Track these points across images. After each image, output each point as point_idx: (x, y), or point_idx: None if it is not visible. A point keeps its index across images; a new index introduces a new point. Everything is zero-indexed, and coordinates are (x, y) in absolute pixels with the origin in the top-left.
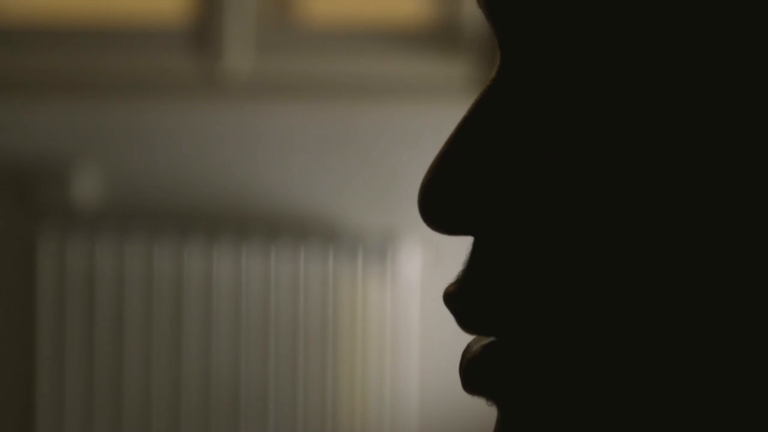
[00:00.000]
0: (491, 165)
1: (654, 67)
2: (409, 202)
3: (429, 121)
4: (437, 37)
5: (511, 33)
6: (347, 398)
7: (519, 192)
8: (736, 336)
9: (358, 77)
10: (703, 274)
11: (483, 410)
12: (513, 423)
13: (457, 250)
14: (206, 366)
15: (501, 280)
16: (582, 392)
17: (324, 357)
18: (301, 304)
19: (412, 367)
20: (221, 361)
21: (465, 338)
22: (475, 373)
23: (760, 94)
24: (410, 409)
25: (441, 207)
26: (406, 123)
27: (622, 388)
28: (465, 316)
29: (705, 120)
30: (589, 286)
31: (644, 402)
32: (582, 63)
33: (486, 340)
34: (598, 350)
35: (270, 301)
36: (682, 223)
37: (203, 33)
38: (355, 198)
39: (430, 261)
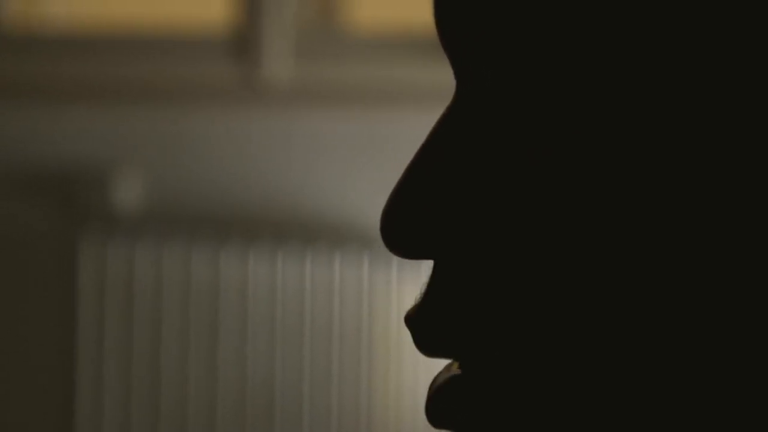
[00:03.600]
0: (450, 190)
1: (610, 79)
2: None
3: None
4: None
5: (465, 61)
6: (381, 405)
7: (478, 216)
8: (723, 344)
9: (397, 84)
10: (688, 303)
11: None
12: None
13: None
14: (242, 371)
15: (460, 303)
16: (547, 422)
17: (359, 363)
18: (336, 311)
19: None
20: (257, 366)
21: None
22: (439, 407)
23: (726, 84)
24: None
25: (401, 233)
26: None
27: (587, 416)
28: (423, 339)
29: (676, 123)
30: (550, 309)
31: (617, 427)
32: (539, 84)
33: (450, 373)
34: (563, 377)
35: (305, 307)
36: (655, 239)
37: (243, 41)
38: None
39: None
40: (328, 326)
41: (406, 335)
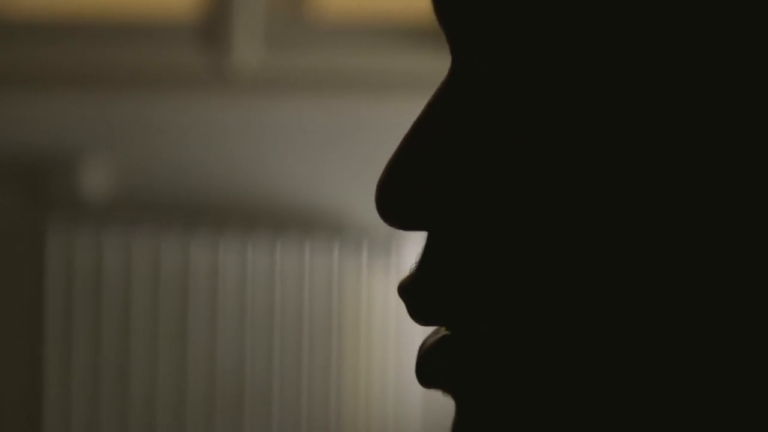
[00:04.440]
0: (445, 162)
1: (605, 66)
2: None
3: None
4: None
5: (462, 35)
6: (351, 392)
7: (472, 187)
8: (689, 333)
9: (368, 72)
10: (665, 263)
11: None
12: (469, 414)
13: None
14: (212, 359)
15: (454, 272)
16: (535, 381)
17: (329, 351)
18: (306, 298)
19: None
20: (226, 354)
21: None
22: (429, 366)
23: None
24: (414, 403)
25: (396, 203)
26: (413, 118)
27: (576, 378)
28: (417, 308)
29: (664, 109)
30: (542, 277)
31: (598, 391)
32: (533, 62)
33: (438, 335)
34: (552, 340)
35: (275, 294)
36: (641, 212)
37: (213, 27)
38: (362, 192)
39: None
40: (299, 314)
41: (377, 323)
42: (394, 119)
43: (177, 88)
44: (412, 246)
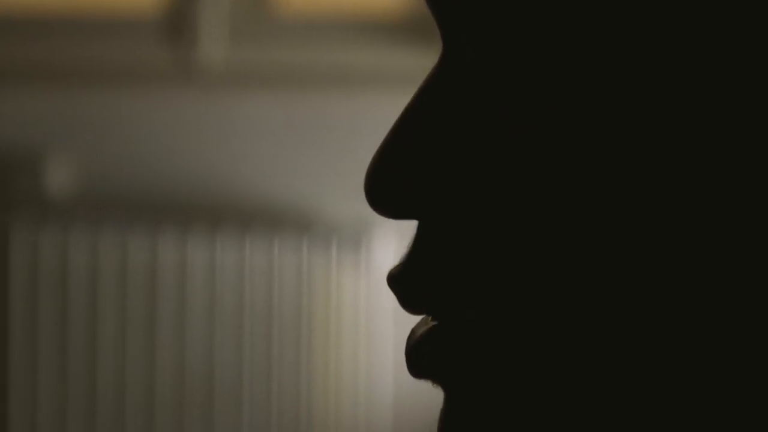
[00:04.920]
0: (435, 149)
1: (599, 55)
2: None
3: (401, 110)
4: (413, 27)
5: (453, 23)
6: (321, 388)
7: (463, 175)
8: (682, 327)
9: (333, 67)
10: (652, 252)
11: None
12: (459, 405)
13: None
14: (180, 357)
15: (444, 261)
16: (525, 371)
17: (298, 347)
18: (275, 295)
19: (386, 357)
20: (195, 351)
21: None
22: (420, 356)
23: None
24: (384, 399)
25: (386, 191)
26: (381, 114)
27: (567, 369)
28: (408, 296)
29: (654, 97)
30: (530, 266)
31: (587, 382)
32: (524, 51)
33: (430, 324)
34: (541, 329)
35: (244, 291)
36: (629, 204)
37: (177, 22)
38: (330, 188)
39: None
40: (268, 311)
41: (346, 319)
42: (361, 114)
43: (142, 84)
44: (381, 242)
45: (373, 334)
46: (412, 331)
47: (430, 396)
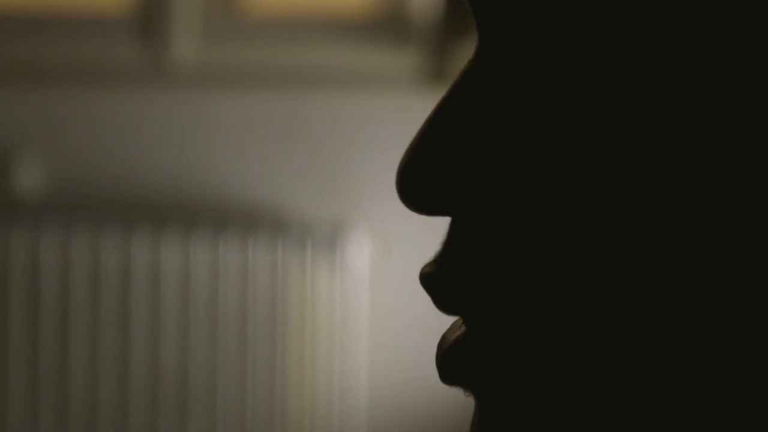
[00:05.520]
0: (470, 146)
1: (633, 52)
2: (358, 193)
3: (378, 111)
4: (385, 27)
5: (490, 16)
6: (296, 389)
7: (498, 173)
8: (729, 331)
9: (307, 67)
10: (680, 257)
11: (432, 401)
12: (492, 412)
13: (407, 240)
14: (154, 358)
15: (480, 260)
16: (559, 380)
17: (273, 348)
18: (250, 296)
19: (361, 357)
20: (169, 353)
21: (414, 328)
22: (452, 364)
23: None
24: (359, 399)
25: (420, 187)
26: (355, 113)
27: (603, 378)
28: (442, 296)
29: (682, 105)
30: (569, 269)
31: (625, 393)
32: (561, 46)
33: (461, 331)
34: (577, 336)
35: (219, 292)
36: (660, 206)
37: (149, 21)
38: (305, 188)
39: (380, 252)
40: (242, 311)
41: (321, 320)
42: (335, 114)
43: (114, 83)
44: (356, 242)
45: (348, 335)
46: (444, 337)
47: (404, 397)
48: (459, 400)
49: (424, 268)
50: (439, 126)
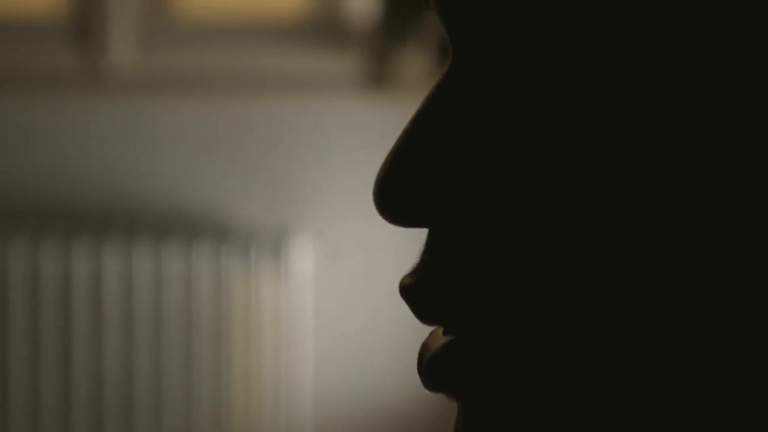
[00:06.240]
0: (448, 157)
1: (609, 61)
2: (301, 198)
3: (320, 116)
4: (322, 31)
5: (464, 28)
6: (242, 396)
7: (477, 184)
8: (706, 334)
9: (246, 73)
10: (659, 262)
11: (377, 405)
12: (477, 418)
13: (350, 245)
14: (97, 367)
15: (461, 271)
16: (546, 386)
17: (218, 355)
18: (193, 303)
19: (306, 362)
20: (112, 361)
21: (359, 334)
22: (437, 370)
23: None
24: (305, 406)
25: (398, 199)
26: (297, 118)
27: (589, 383)
28: (423, 307)
29: (658, 106)
30: (550, 277)
31: (612, 396)
32: (536, 57)
33: (445, 340)
34: (562, 343)
35: (162, 300)
36: (638, 212)
37: (85, 26)
38: (247, 194)
39: (324, 257)
40: (186, 319)
41: (266, 325)
42: (276, 119)
43: (49, 90)
44: (299, 249)
45: (293, 341)
46: (425, 345)
47: (350, 402)
48: (405, 405)
49: (403, 280)
50: (416, 138)
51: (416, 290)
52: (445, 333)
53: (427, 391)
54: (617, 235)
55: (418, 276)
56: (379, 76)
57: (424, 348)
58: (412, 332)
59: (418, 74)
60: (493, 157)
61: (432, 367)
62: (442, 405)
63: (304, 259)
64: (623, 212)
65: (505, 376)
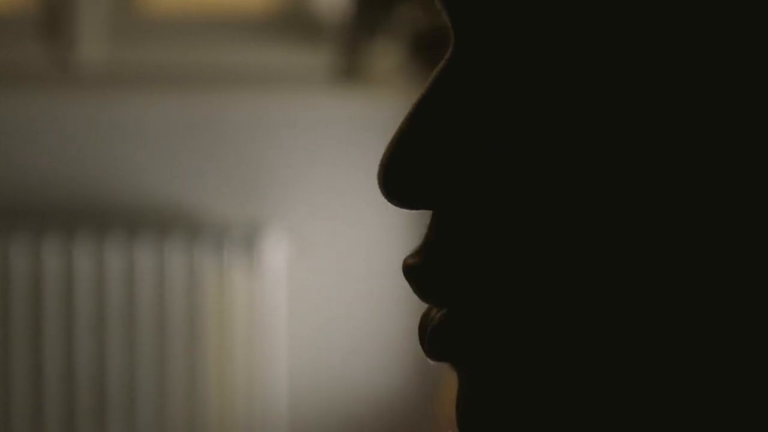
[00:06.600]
0: (452, 139)
1: (613, 46)
2: (273, 193)
3: (292, 110)
4: (293, 25)
5: (466, 13)
6: (215, 391)
7: (481, 166)
8: (704, 322)
9: (216, 67)
10: (658, 246)
11: (352, 399)
12: (479, 388)
13: (323, 240)
14: (69, 364)
15: (466, 252)
16: (543, 359)
17: (191, 351)
18: (166, 299)
19: (280, 357)
20: (85, 358)
21: (332, 328)
22: (440, 340)
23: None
24: (279, 399)
25: (403, 181)
26: (268, 113)
27: (585, 355)
28: (427, 287)
29: (662, 99)
30: (555, 259)
31: (601, 374)
32: (539, 40)
33: (445, 311)
34: (564, 321)
35: (134, 296)
36: (641, 199)
37: (54, 20)
38: (219, 189)
39: (296, 251)
40: (159, 315)
41: (239, 320)
42: (247, 113)
43: (19, 85)
44: (272, 243)
45: (266, 336)
46: (425, 316)
47: (324, 396)
48: (378, 398)
49: (407, 260)
50: (420, 121)
51: (420, 270)
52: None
53: (400, 384)
54: (621, 218)
55: (422, 256)
56: (350, 71)
57: (425, 319)
58: (384, 326)
59: (389, 68)
60: (497, 139)
61: (435, 337)
62: (415, 396)
63: (276, 254)
64: (626, 194)
65: (507, 348)
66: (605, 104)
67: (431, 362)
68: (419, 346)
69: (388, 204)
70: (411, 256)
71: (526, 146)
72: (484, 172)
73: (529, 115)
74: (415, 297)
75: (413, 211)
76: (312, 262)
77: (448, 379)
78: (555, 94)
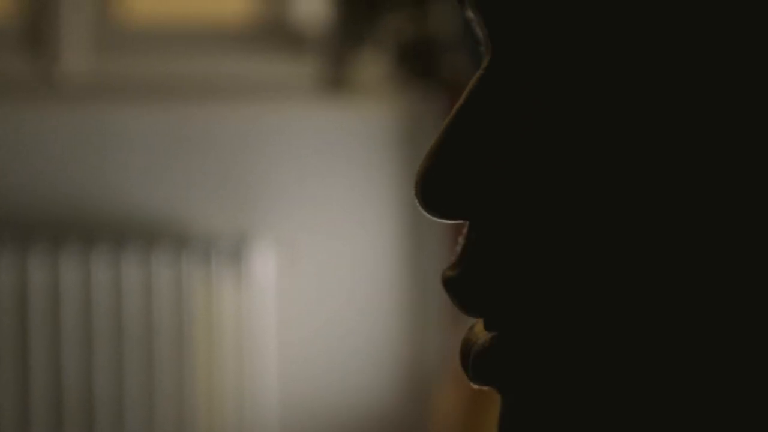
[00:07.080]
0: (490, 150)
1: (647, 58)
2: (261, 204)
3: (279, 121)
4: (275, 36)
5: (504, 24)
6: (204, 402)
7: (518, 177)
8: (741, 331)
9: (201, 78)
10: (697, 262)
11: (341, 410)
12: (523, 411)
13: (311, 250)
14: (57, 376)
15: (505, 263)
16: (591, 381)
17: (180, 362)
18: (154, 311)
19: (268, 367)
20: (72, 371)
21: (321, 339)
22: (485, 364)
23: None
24: (269, 411)
25: (440, 192)
26: (255, 124)
27: (630, 377)
28: (467, 299)
29: (697, 112)
30: (591, 270)
31: (648, 393)
32: (578, 51)
33: (492, 334)
34: (605, 337)
35: (122, 307)
36: (679, 210)
37: (37, 32)
38: (207, 201)
39: (285, 263)
40: (147, 327)
41: (228, 332)
42: (235, 125)
43: (2, 98)
44: (260, 254)
45: (255, 347)
46: (467, 339)
47: (313, 406)
48: (367, 407)
49: (446, 272)
50: (458, 132)
51: (460, 282)
52: (486, 326)
53: (389, 393)
54: (647, 226)
55: (462, 268)
56: (336, 81)
57: (467, 343)
58: (373, 336)
59: (375, 78)
60: (536, 149)
61: (480, 361)
62: (404, 406)
63: (264, 264)
64: (668, 205)
65: (551, 370)
66: (646, 117)
67: (475, 386)
68: (408, 356)
69: (376, 214)
70: (449, 268)
71: (565, 156)
72: (523, 182)
73: (568, 126)
74: (403, 308)
75: (402, 223)
76: (299, 272)
77: (437, 388)
78: (594, 105)
